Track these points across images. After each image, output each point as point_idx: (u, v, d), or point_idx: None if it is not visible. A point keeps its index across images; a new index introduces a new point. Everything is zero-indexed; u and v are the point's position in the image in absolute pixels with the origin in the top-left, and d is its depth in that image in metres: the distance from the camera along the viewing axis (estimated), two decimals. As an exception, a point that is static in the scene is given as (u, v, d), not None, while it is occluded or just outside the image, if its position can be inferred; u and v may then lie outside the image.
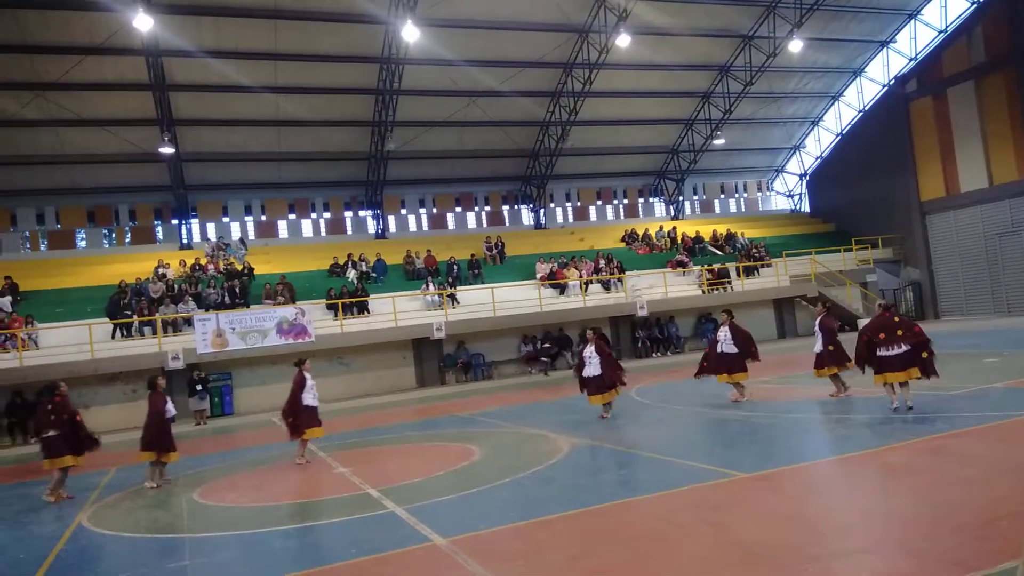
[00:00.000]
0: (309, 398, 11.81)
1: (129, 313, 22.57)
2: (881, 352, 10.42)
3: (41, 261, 26.65)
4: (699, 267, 30.30)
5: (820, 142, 38.93)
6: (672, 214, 37.38)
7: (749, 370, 13.52)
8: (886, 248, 32.77)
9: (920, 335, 10.32)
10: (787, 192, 41.26)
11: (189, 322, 22.48)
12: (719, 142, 34.76)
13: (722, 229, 34.72)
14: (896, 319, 10.65)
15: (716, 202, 39.69)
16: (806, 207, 40.38)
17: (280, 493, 10.10)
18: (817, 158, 39.00)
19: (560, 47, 28.91)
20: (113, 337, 22.18)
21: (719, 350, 13.50)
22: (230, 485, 11.01)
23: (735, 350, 13.35)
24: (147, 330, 22.52)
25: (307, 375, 12.00)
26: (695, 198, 39.11)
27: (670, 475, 8.46)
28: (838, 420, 10.93)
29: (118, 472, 13.15)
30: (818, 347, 12.71)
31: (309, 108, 27.82)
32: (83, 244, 28.23)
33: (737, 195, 40.33)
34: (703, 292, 29.24)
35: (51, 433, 10.92)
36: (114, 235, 28.84)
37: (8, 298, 22.59)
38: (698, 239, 33.50)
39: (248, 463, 12.60)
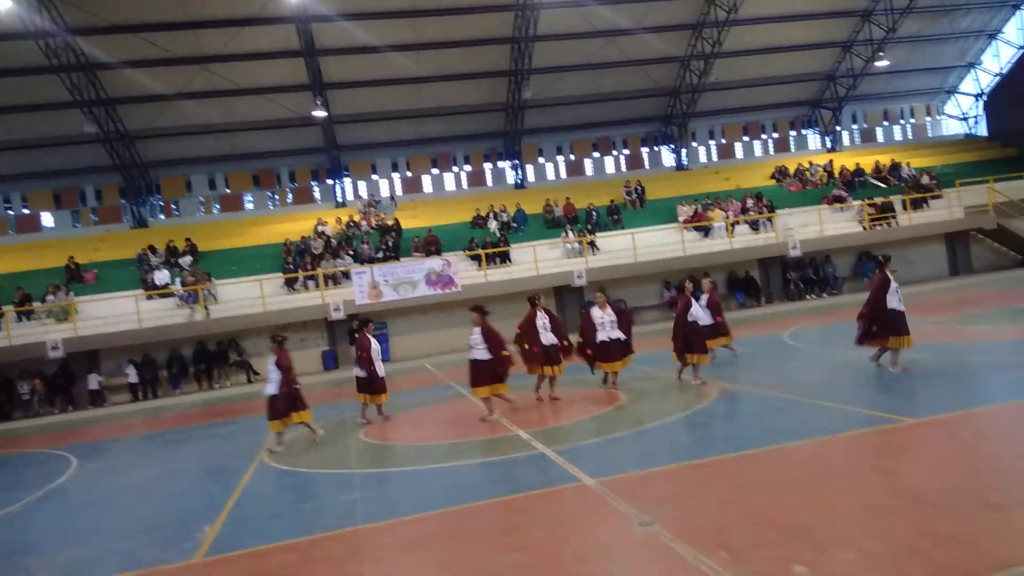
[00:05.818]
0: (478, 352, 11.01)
1: (294, 268, 24.29)
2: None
3: (214, 223, 29.12)
4: (859, 202, 28.22)
5: (1000, 57, 34.74)
6: (828, 146, 34.93)
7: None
8: (1081, 173, 29.02)
9: None
10: (961, 115, 37.28)
11: (347, 275, 23.91)
12: (882, 64, 31.85)
13: (885, 160, 32.07)
14: None
15: (879, 130, 36.58)
16: (983, 130, 36.38)
17: (436, 433, 10.63)
18: (996, 75, 34.93)
19: (700, -25, 27.40)
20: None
21: (605, 337, 11.72)
22: (391, 425, 11.72)
23: (621, 336, 11.79)
24: (310, 284, 24.14)
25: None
26: (854, 127, 36.24)
27: (830, 421, 8.02)
28: (1017, 363, 9.94)
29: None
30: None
31: (447, 63, 28.23)
32: (250, 206, 30.55)
33: (903, 121, 36.91)
34: (864, 229, 27.27)
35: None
36: (277, 197, 30.95)
37: (189, 258, 25.01)
38: (858, 172, 31.10)
39: (405, 406, 13.32)
